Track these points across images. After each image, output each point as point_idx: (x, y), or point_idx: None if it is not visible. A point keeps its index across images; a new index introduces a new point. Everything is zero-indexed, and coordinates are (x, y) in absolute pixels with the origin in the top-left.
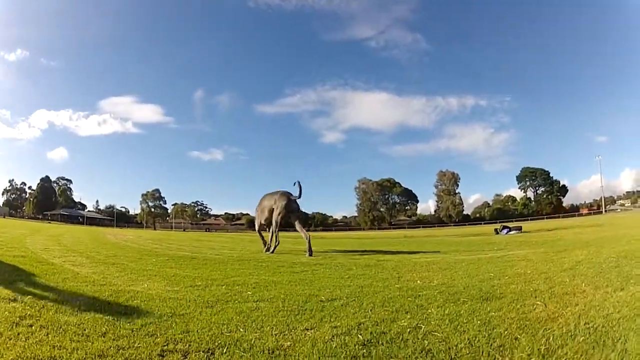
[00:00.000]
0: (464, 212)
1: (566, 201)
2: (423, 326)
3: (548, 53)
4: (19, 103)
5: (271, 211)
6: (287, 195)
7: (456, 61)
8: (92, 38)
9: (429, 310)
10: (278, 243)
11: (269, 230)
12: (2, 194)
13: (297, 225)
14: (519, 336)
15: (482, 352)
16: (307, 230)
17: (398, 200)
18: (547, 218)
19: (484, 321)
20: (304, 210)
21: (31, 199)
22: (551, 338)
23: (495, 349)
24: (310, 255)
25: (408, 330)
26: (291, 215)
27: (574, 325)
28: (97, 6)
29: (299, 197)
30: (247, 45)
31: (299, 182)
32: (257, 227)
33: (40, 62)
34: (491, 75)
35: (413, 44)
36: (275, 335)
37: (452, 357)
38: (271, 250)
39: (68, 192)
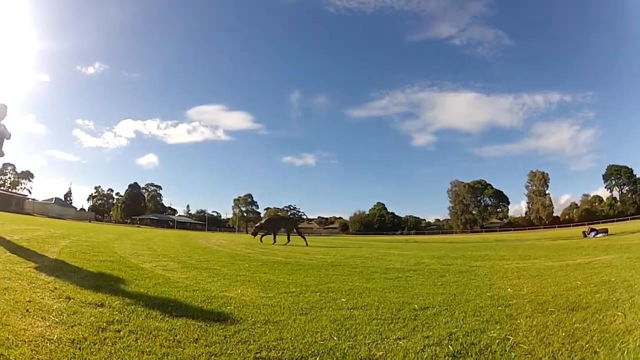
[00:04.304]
0: (554, 214)
1: None
2: (511, 338)
3: (625, 44)
4: (102, 114)
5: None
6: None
7: (538, 55)
8: (174, 49)
9: (518, 321)
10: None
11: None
12: (88, 200)
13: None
14: (598, 349)
15: None
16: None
17: (490, 202)
18: (631, 219)
19: (569, 333)
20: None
21: (119, 205)
22: (625, 352)
23: None
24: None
25: (497, 341)
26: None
27: None
28: (177, 15)
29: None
30: (331, 51)
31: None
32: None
33: (121, 75)
34: (573, 69)
35: (495, 40)
36: (368, 345)
37: None
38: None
39: (157, 198)
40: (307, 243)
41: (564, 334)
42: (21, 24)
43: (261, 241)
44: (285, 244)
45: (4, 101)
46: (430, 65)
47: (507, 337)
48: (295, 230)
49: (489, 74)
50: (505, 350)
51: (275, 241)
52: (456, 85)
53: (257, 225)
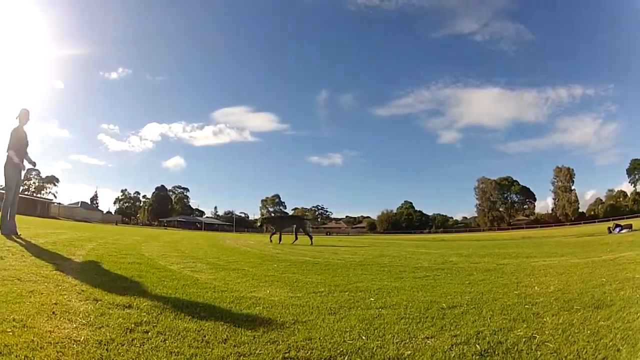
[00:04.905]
0: (580, 210)
1: None
2: (537, 336)
3: None
4: (127, 118)
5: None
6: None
7: (559, 49)
8: (198, 51)
9: (544, 319)
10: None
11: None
12: (114, 203)
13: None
14: (621, 347)
15: None
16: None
17: (516, 199)
18: None
19: (593, 331)
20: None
21: (146, 207)
22: None
23: None
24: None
25: (523, 340)
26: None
27: None
28: (200, 18)
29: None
30: (354, 50)
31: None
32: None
33: (145, 79)
34: (596, 61)
35: (517, 35)
36: (397, 344)
37: None
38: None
39: (185, 200)
40: (312, 242)
41: (588, 332)
42: (44, 30)
43: (271, 241)
44: (295, 242)
45: (26, 106)
46: (453, 61)
47: (534, 335)
48: (302, 230)
49: (512, 69)
50: (532, 349)
51: (280, 240)
52: (480, 81)
53: (265, 217)
